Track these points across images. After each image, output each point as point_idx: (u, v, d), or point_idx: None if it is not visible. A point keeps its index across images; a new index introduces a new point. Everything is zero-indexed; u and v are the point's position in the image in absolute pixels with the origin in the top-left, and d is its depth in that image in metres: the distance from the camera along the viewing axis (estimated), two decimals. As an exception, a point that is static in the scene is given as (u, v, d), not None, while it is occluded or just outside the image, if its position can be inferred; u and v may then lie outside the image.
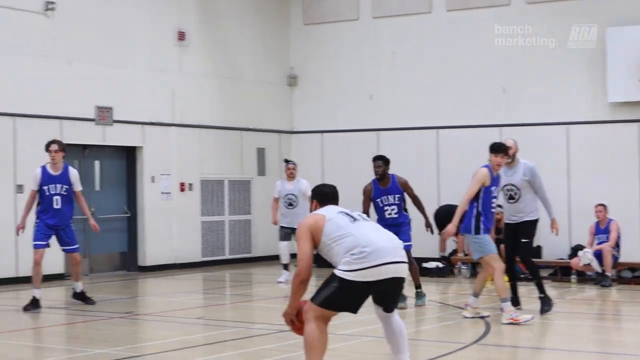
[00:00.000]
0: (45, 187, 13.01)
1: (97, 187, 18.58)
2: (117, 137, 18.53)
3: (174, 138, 19.56)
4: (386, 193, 13.03)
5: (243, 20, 21.22)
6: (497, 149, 11.73)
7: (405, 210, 13.18)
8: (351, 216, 7.36)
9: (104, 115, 18.15)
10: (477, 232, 11.59)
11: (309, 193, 8.61)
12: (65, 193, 13.08)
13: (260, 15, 21.63)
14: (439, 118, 20.18)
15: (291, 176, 16.57)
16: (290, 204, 16.42)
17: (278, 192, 16.64)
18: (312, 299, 7.18)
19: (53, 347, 10.74)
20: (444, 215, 15.37)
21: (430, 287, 15.35)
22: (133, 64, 18.83)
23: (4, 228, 16.14)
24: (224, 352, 9.76)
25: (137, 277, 18.22)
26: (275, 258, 21.62)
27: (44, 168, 13.11)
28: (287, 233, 16.33)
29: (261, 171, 21.49)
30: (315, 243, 7.27)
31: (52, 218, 13.06)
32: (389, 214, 13.03)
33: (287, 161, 17.08)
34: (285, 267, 16.66)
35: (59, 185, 13.06)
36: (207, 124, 20.21)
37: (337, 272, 7.11)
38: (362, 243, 7.07)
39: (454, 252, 18.35)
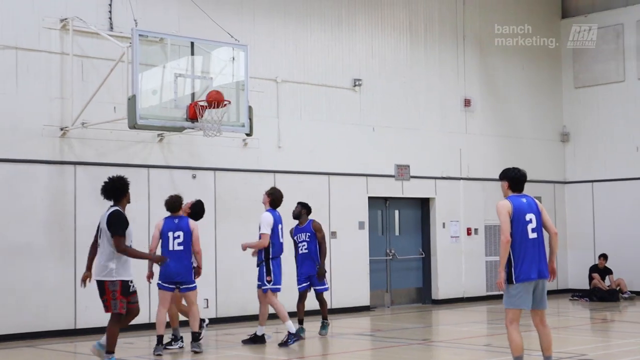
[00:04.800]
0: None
1: (397, 233, 18.85)
2: (413, 190, 18.73)
3: (462, 190, 19.55)
4: None
5: (520, 87, 21.02)
6: None
7: None
8: None
9: (402, 172, 18.43)
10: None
11: None
12: None
13: (535, 82, 21.33)
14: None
15: None
16: None
17: None
18: None
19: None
20: None
21: None
22: (426, 128, 19.05)
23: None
24: (507, 376, 9.51)
25: (431, 309, 18.23)
26: (555, 292, 20.99)
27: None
28: None
29: (538, 217, 20.96)
30: None
31: None
32: None
33: None
34: None
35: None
36: (489, 177, 19.82)
37: None
38: None
39: None
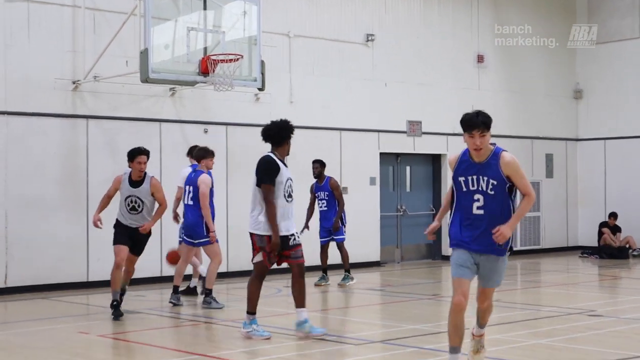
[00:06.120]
0: None
1: (408, 189, 18.85)
2: (424, 146, 18.69)
3: (473, 146, 19.42)
4: None
5: (533, 43, 20.62)
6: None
7: None
8: None
9: (414, 128, 18.38)
10: None
11: None
12: None
13: (549, 37, 20.91)
14: None
15: None
16: None
17: None
18: None
19: (373, 322, 10.98)
20: None
21: None
22: (439, 84, 18.92)
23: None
24: (515, 330, 9.55)
25: (440, 264, 18.27)
26: (565, 250, 21.01)
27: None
28: None
29: (549, 174, 20.96)
30: None
31: None
32: None
33: None
34: None
35: None
36: (502, 134, 19.60)
37: None
38: None
39: None
